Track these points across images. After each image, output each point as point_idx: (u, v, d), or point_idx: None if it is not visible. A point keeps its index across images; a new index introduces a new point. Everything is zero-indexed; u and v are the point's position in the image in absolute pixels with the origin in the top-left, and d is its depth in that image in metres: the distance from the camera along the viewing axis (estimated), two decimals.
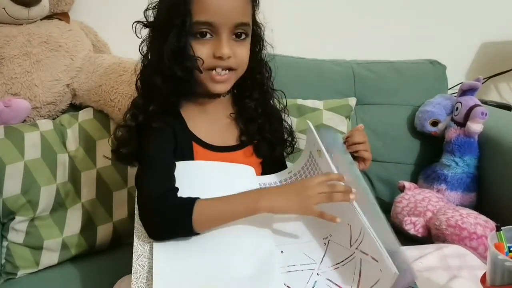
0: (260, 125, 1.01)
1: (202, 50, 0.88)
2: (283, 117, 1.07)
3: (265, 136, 1.02)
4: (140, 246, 0.80)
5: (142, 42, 0.94)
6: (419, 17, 1.67)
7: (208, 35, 0.88)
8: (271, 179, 0.95)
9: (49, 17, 1.26)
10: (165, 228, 0.80)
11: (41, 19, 1.25)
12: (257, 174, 0.96)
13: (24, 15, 1.20)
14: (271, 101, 1.04)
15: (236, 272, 0.76)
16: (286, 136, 1.06)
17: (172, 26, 0.86)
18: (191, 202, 0.80)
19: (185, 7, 0.85)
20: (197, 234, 0.80)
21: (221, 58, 0.89)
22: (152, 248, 0.78)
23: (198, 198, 0.81)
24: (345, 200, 0.78)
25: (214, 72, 0.90)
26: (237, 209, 0.80)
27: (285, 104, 1.07)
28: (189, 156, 0.92)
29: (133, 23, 0.93)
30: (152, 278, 0.74)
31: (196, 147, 0.94)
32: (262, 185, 0.92)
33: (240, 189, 0.84)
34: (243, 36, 0.91)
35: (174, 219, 0.79)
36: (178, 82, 0.89)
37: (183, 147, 0.92)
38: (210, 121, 0.97)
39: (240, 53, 0.92)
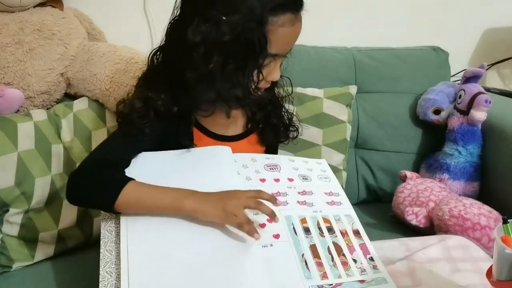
0: (267, 112, 1.01)
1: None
2: (283, 103, 1.07)
3: (271, 122, 1.02)
4: (107, 252, 0.79)
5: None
6: (421, 3, 1.64)
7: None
8: (248, 157, 0.95)
9: (42, 4, 1.23)
10: (85, 196, 0.82)
11: (34, 7, 1.21)
12: None
13: (16, 2, 1.16)
14: (275, 88, 1.04)
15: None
16: (287, 121, 1.07)
17: (247, 56, 0.83)
18: (122, 182, 0.79)
19: (263, 35, 0.81)
20: (116, 213, 0.80)
21: (271, 83, 0.91)
22: (119, 254, 0.77)
23: (133, 179, 0.80)
24: (272, 219, 0.79)
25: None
26: (163, 203, 0.79)
27: (290, 91, 1.08)
28: (189, 142, 0.92)
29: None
30: (120, 284, 0.73)
31: (198, 134, 0.94)
32: (239, 164, 0.92)
33: (216, 172, 0.87)
34: None
35: (99, 192, 0.80)
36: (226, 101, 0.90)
37: (183, 133, 0.92)
38: (216, 110, 0.96)
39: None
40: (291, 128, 1.08)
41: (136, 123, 0.88)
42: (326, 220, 0.87)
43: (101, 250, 0.79)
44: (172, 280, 0.73)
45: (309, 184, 0.93)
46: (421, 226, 1.15)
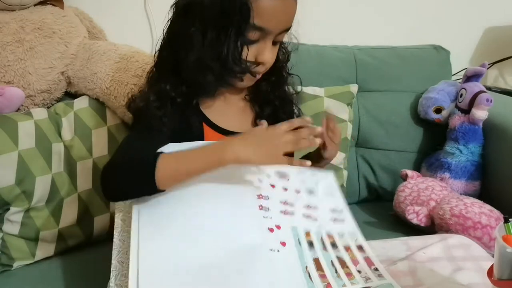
0: (275, 108, 1.00)
1: (246, 53, 0.86)
2: (294, 102, 1.05)
3: (280, 118, 0.99)
4: (120, 242, 0.78)
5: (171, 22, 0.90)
6: (423, 1, 1.63)
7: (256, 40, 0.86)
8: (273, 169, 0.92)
9: (42, 2, 1.23)
10: (126, 185, 0.77)
11: (34, 5, 1.21)
12: None
13: (17, 1, 1.16)
14: (285, 86, 1.03)
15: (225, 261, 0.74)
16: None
17: (228, 24, 0.82)
18: (154, 156, 0.76)
19: (245, 6, 0.80)
20: (161, 191, 0.76)
21: (263, 64, 0.88)
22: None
23: (162, 152, 0.77)
24: (311, 145, 0.79)
25: (247, 75, 0.89)
26: (202, 162, 0.75)
27: (299, 90, 1.05)
28: (199, 138, 0.91)
29: (172, 5, 0.89)
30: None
31: (207, 130, 0.92)
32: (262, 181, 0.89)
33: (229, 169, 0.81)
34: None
35: (137, 173, 0.76)
36: (221, 79, 0.88)
37: (193, 129, 0.91)
38: (224, 105, 0.96)
39: (274, 57, 0.91)
40: None
41: (154, 115, 0.87)
42: (329, 236, 0.86)
43: (114, 240, 0.78)
44: (178, 281, 0.73)
45: (314, 199, 0.92)
46: (422, 225, 1.14)
